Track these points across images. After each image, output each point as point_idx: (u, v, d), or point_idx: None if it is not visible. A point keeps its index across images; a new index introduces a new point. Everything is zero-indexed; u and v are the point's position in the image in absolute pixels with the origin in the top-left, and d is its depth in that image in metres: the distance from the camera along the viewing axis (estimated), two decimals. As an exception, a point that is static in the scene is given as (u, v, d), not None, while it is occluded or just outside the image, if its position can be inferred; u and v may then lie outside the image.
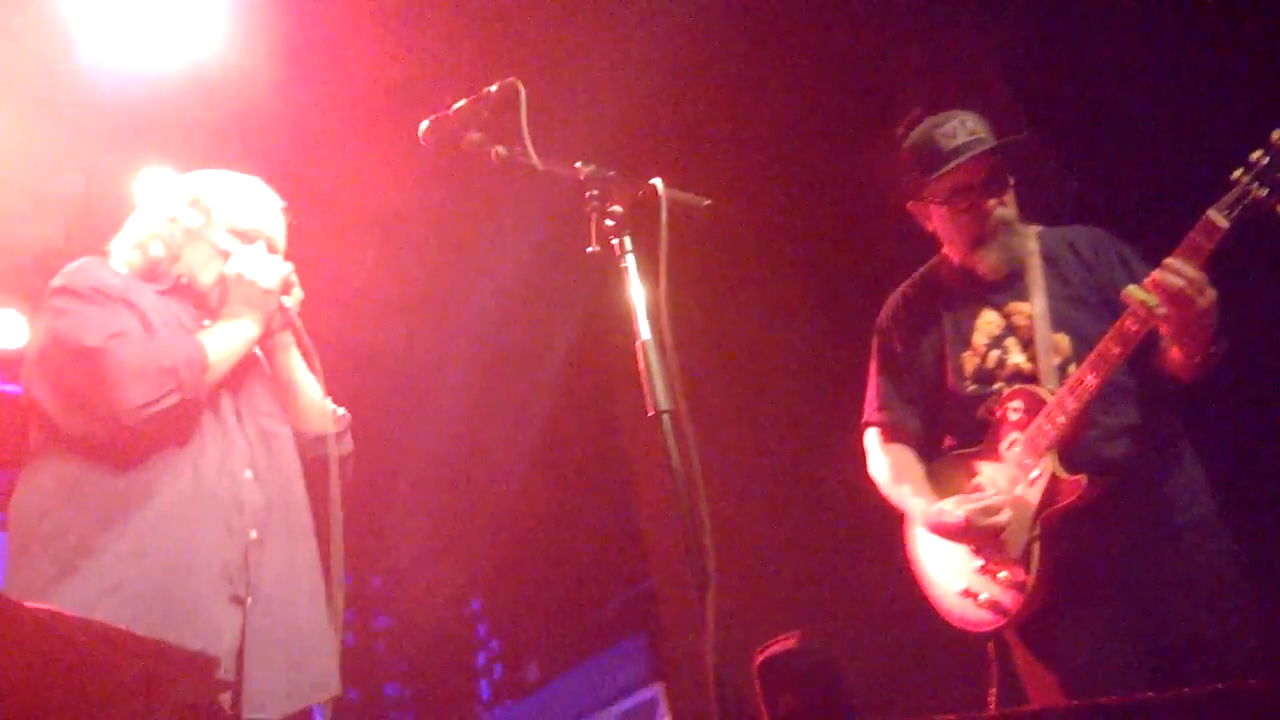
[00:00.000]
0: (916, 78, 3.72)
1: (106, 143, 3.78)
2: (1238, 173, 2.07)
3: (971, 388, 2.38)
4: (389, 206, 4.32)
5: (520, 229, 4.69)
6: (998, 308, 2.40)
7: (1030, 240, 2.43)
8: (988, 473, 2.34)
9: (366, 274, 4.57)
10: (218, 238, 2.09)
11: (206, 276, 2.07)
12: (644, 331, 1.63)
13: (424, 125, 1.91)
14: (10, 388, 4.17)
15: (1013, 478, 2.28)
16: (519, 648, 5.87)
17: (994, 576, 2.28)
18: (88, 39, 3.58)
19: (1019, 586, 2.24)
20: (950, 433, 2.46)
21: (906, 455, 2.49)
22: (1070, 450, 2.22)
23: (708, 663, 1.41)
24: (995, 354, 2.37)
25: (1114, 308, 2.19)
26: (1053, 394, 2.24)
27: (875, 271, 2.89)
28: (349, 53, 3.80)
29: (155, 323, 1.94)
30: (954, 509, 2.31)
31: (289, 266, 2.11)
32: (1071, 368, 2.26)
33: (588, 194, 1.74)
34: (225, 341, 1.98)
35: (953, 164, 2.33)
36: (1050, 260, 2.40)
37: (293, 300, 2.09)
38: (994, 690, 2.41)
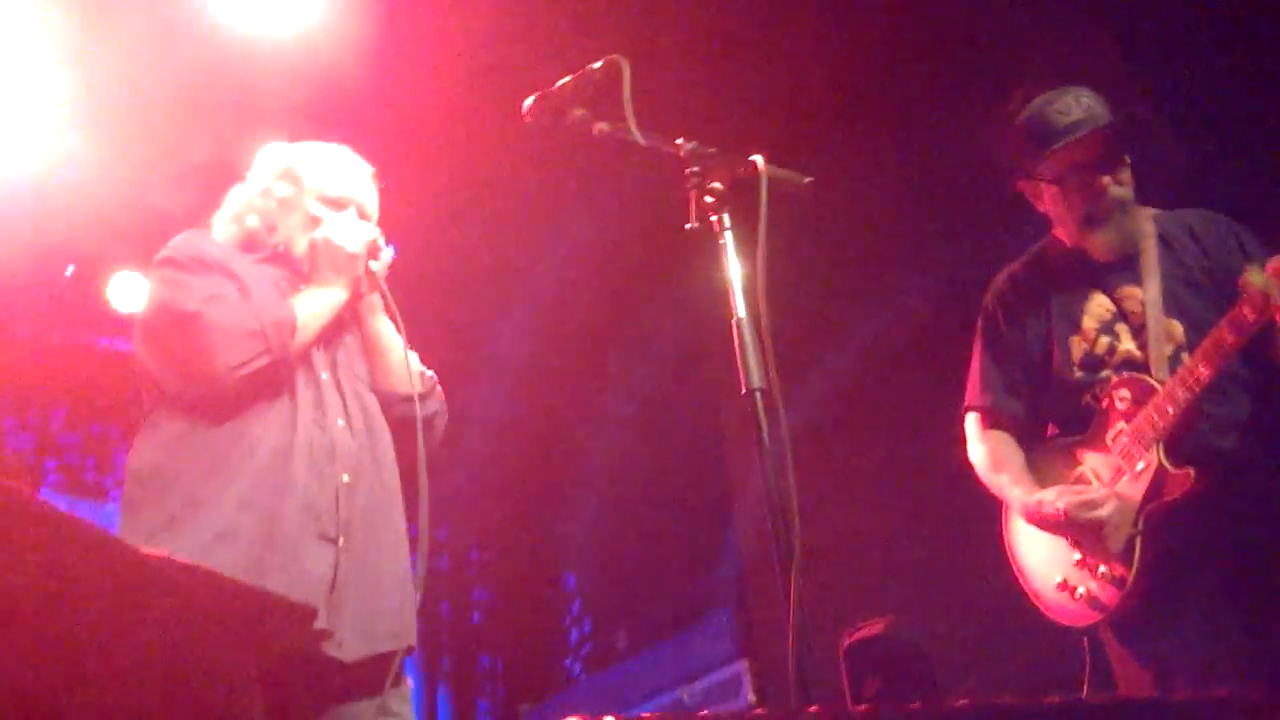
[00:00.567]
0: (1030, 51, 3.61)
1: (234, 112, 3.94)
2: None
3: (1079, 374, 2.32)
4: (488, 180, 4.40)
5: (622, 205, 4.71)
6: (1109, 291, 2.33)
7: (1146, 222, 2.35)
8: (1091, 463, 2.28)
9: (463, 247, 4.68)
10: (310, 206, 2.17)
11: (300, 244, 2.16)
12: (739, 309, 1.64)
13: (529, 101, 1.93)
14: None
15: (1117, 469, 2.23)
16: (609, 618, 5.97)
17: (1093, 571, 2.23)
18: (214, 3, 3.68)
19: (1118, 582, 2.18)
20: (1054, 419, 2.40)
21: (1007, 442, 2.44)
22: (1178, 443, 2.15)
23: (790, 640, 1.42)
24: (1105, 339, 2.30)
25: (1230, 294, 2.11)
26: (1162, 384, 2.17)
27: (983, 252, 2.83)
28: (453, 24, 3.87)
29: (252, 288, 2.04)
30: (1054, 500, 2.25)
31: (374, 231, 2.17)
32: (1184, 356, 2.18)
33: (688, 170, 1.75)
34: (313, 305, 2.07)
35: (1066, 140, 2.27)
36: (1166, 243, 2.32)
37: (379, 264, 2.16)
38: (1086, 687, 2.36)
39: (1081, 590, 2.25)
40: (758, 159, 1.73)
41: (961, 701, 1.11)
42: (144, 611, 1.55)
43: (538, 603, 6.28)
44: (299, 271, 2.16)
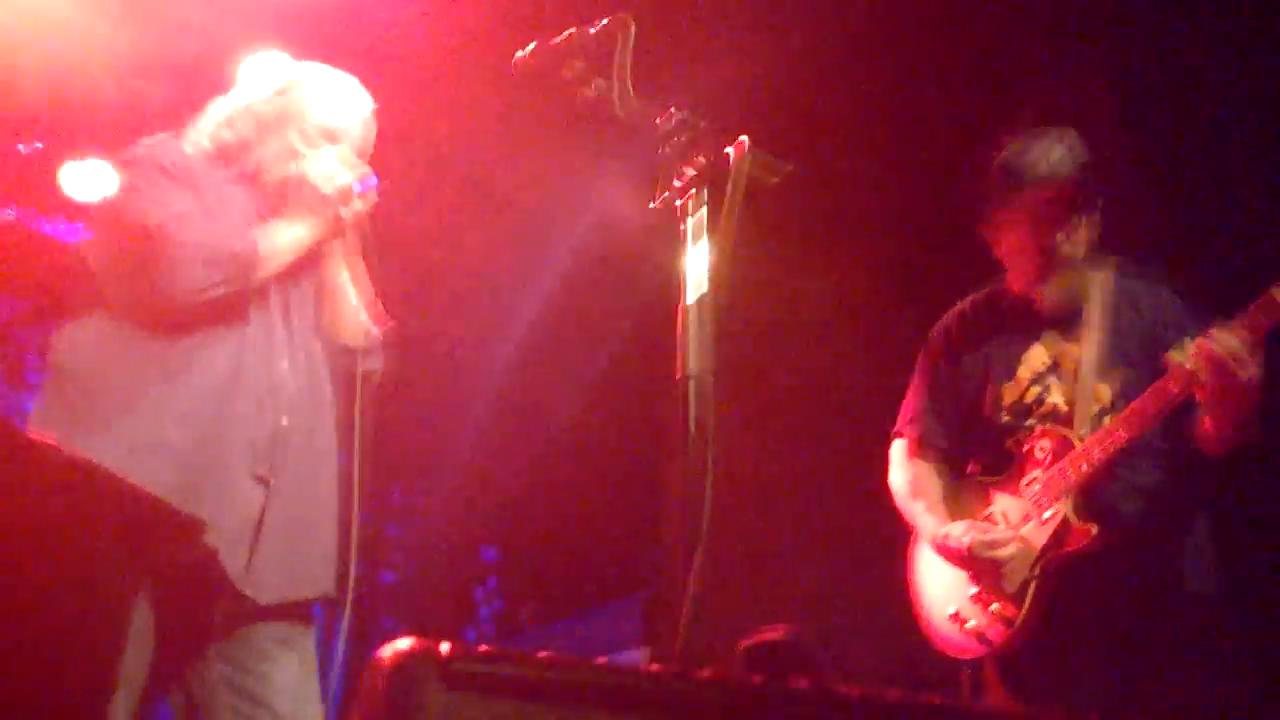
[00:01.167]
0: (1028, 80, 3.65)
1: (226, 14, 3.82)
2: None
3: (1006, 419, 2.40)
4: (476, 138, 4.34)
5: (608, 175, 4.68)
6: (1048, 344, 2.40)
7: (1094, 282, 2.41)
8: (1003, 504, 2.37)
9: (437, 201, 4.60)
10: (297, 134, 2.10)
11: (275, 172, 2.10)
12: (690, 295, 1.62)
13: (524, 51, 1.88)
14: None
15: (1025, 514, 2.31)
16: (520, 589, 5.98)
17: (985, 607, 2.31)
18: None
19: (1007, 622, 2.27)
20: (976, 458, 2.48)
21: (928, 472, 2.52)
22: (1087, 499, 2.24)
23: (680, 629, 1.42)
24: (1036, 390, 2.38)
25: (1161, 366, 2.18)
26: (1082, 440, 2.25)
27: (948, 284, 2.87)
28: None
29: (217, 210, 1.99)
30: (961, 535, 2.34)
31: (354, 175, 2.08)
32: (1107, 418, 2.27)
33: (673, 138, 1.70)
34: (278, 241, 2.02)
35: (1025, 190, 2.33)
36: (1109, 306, 2.39)
37: (350, 212, 2.09)
38: None
39: (972, 624, 2.33)
40: (744, 139, 1.69)
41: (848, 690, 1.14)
42: (29, 500, 1.53)
43: (450, 565, 6.25)
44: (266, 198, 2.10)
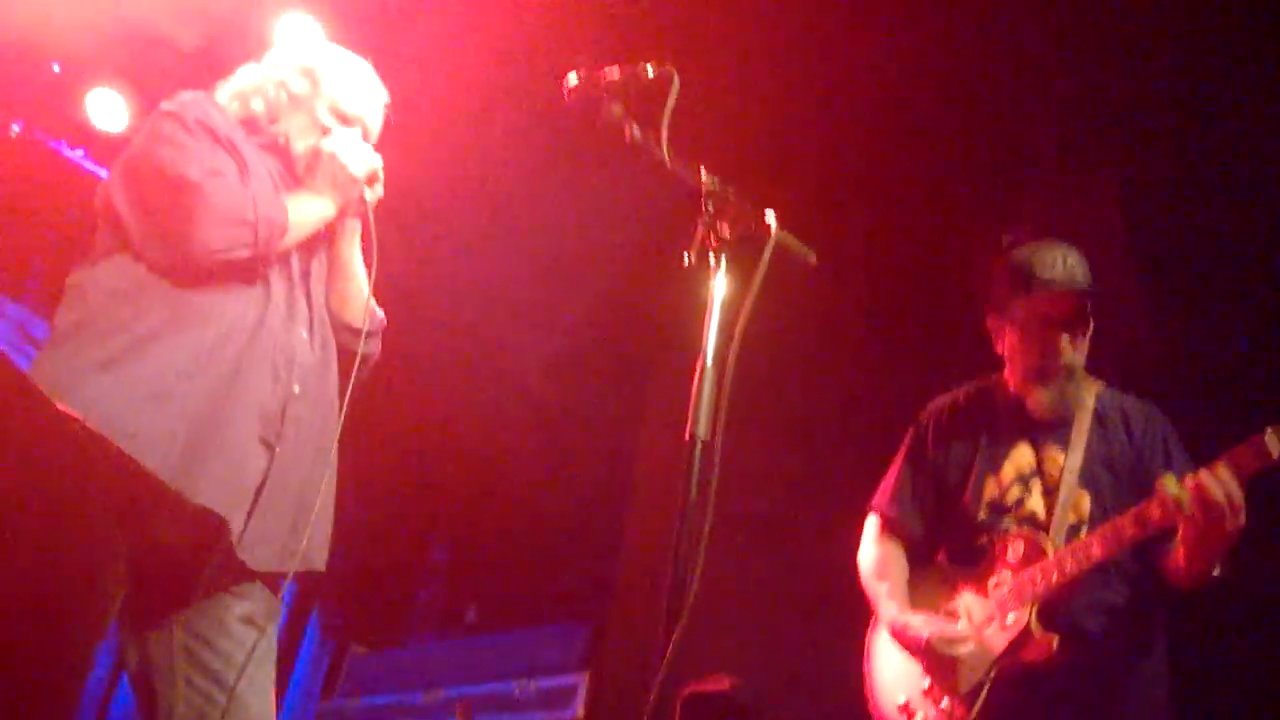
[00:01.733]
0: (1040, 182, 3.71)
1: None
2: None
3: (983, 515, 2.41)
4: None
5: (610, 197, 4.69)
6: (1036, 447, 2.42)
7: (1088, 394, 2.44)
8: (967, 601, 2.37)
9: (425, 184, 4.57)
10: (320, 112, 2.16)
11: (300, 145, 2.14)
12: (708, 356, 1.64)
13: (572, 81, 1.90)
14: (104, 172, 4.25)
15: (989, 615, 2.31)
16: (466, 589, 5.93)
17: (936, 703, 2.31)
18: None
19: None
20: (947, 547, 2.49)
21: (897, 554, 2.53)
22: (1052, 611, 2.25)
23: (653, 694, 1.42)
24: (1016, 490, 2.40)
25: (1144, 488, 2.20)
26: (1055, 550, 2.27)
27: (934, 374, 2.89)
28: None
29: (252, 173, 2.01)
30: (921, 626, 2.35)
31: (379, 160, 2.16)
32: (1083, 531, 2.28)
33: (704, 205, 1.74)
34: (304, 212, 2.05)
35: (1042, 291, 2.36)
36: (1100, 420, 2.42)
37: (373, 194, 2.15)
38: None
39: (920, 716, 2.33)
40: (771, 219, 1.73)
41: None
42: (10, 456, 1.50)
43: (398, 554, 6.19)
44: (291, 168, 2.14)
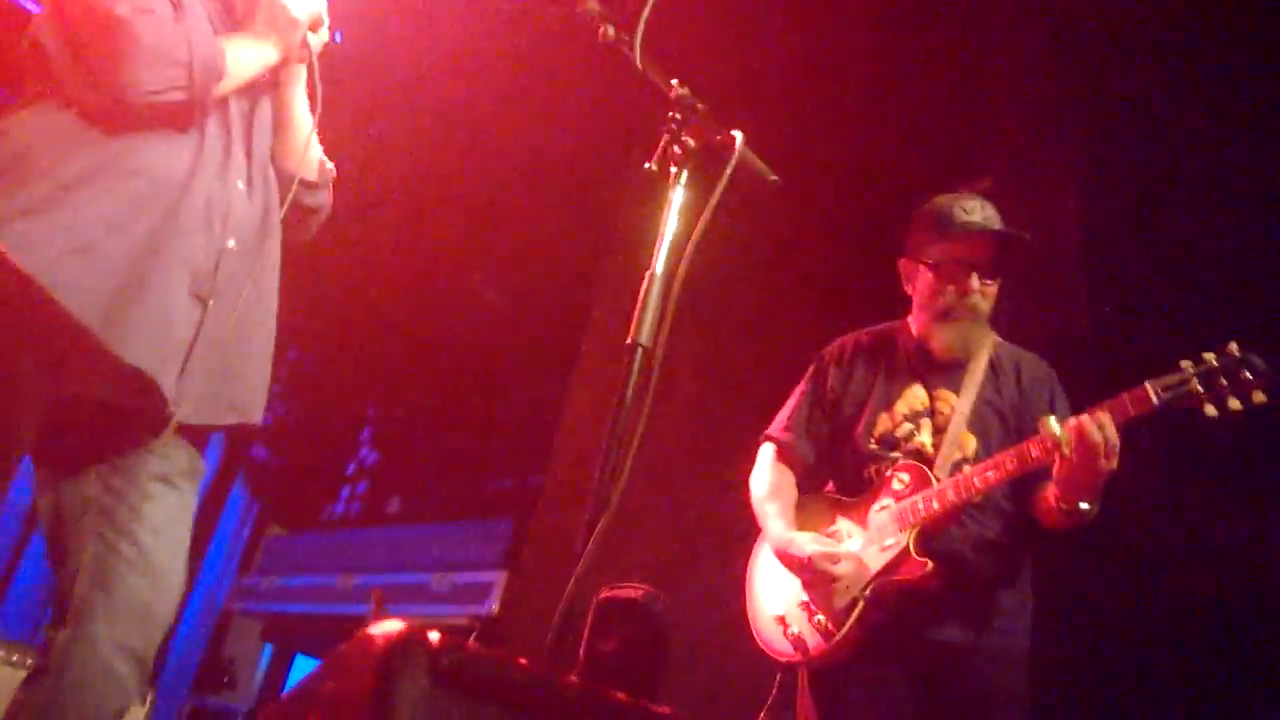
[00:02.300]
0: (1006, 143, 3.74)
1: None
2: (1186, 363, 2.17)
3: (873, 446, 2.51)
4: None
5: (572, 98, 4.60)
6: (929, 388, 2.52)
7: (986, 342, 2.54)
8: (849, 525, 2.48)
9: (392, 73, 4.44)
10: None
11: None
12: (658, 264, 1.64)
13: None
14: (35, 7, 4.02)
15: (869, 538, 2.42)
16: (391, 480, 5.95)
17: (810, 617, 2.42)
18: None
19: (826, 635, 2.37)
20: (835, 478, 2.59)
21: (788, 479, 2.62)
22: (929, 539, 2.35)
23: (569, 588, 1.45)
24: (907, 426, 2.49)
25: (1027, 434, 2.30)
26: (939, 481, 2.37)
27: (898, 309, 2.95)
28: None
29: (186, 10, 1.91)
30: (804, 543, 2.44)
31: (323, 2, 2.09)
32: (967, 467, 2.38)
33: (670, 114, 1.73)
34: (243, 55, 1.97)
35: (958, 231, 2.45)
36: (994, 368, 2.52)
37: (316, 38, 2.09)
38: (764, 715, 2.58)
39: (794, 630, 2.44)
40: (738, 135, 1.73)
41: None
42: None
43: (327, 438, 6.17)
44: (230, 8, 2.05)
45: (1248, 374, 2.10)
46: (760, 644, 2.52)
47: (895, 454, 2.45)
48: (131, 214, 1.80)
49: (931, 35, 3.91)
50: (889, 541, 2.35)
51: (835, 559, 2.37)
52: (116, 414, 1.87)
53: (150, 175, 1.84)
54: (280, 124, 2.10)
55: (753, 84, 4.06)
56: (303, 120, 2.11)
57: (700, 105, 1.75)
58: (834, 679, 2.37)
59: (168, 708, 5.69)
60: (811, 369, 2.69)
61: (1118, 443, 2.13)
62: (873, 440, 2.49)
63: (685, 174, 1.73)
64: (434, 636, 0.88)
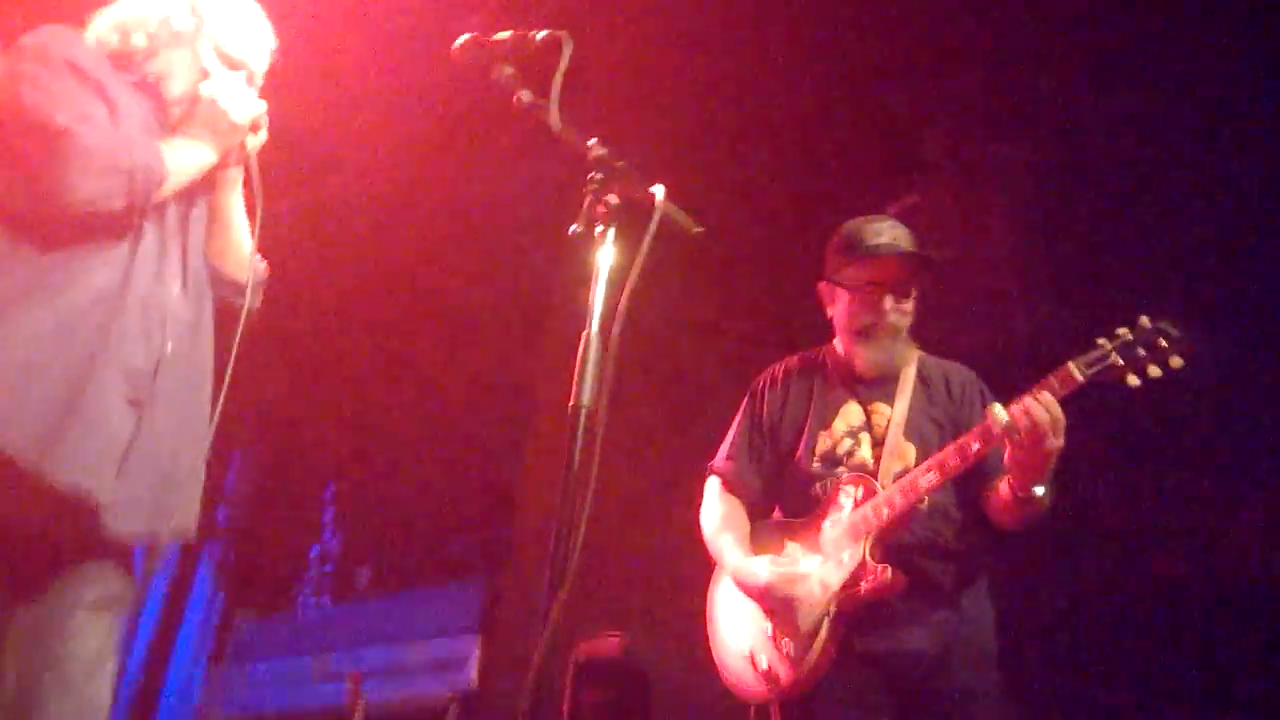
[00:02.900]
0: (925, 167, 3.82)
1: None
2: (1102, 340, 2.23)
3: (816, 465, 2.53)
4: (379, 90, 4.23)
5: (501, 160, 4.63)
6: (863, 403, 2.56)
7: (912, 356, 2.60)
8: (799, 546, 2.47)
9: (332, 151, 4.45)
10: (203, 52, 2.07)
11: (177, 86, 2.05)
12: (593, 325, 1.64)
13: (461, 40, 1.88)
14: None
15: (825, 555, 2.41)
16: (359, 552, 5.85)
17: (778, 645, 2.39)
18: None
19: (796, 662, 2.34)
20: (783, 504, 2.60)
21: (738, 509, 2.63)
22: (884, 550, 2.35)
23: (536, 660, 1.43)
24: (848, 442, 2.52)
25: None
26: (885, 488, 2.39)
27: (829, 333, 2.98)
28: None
29: (123, 116, 1.91)
30: (760, 569, 2.44)
31: (263, 106, 2.09)
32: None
33: (590, 174, 1.74)
34: (182, 160, 1.96)
35: (867, 254, 2.52)
36: (923, 378, 2.58)
37: (255, 142, 2.09)
38: None
39: (764, 665, 2.41)
40: (658, 190, 1.74)
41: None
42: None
43: (288, 518, 6.07)
44: (166, 111, 2.05)
45: (1162, 341, 2.18)
46: (731, 685, 2.48)
47: (840, 470, 2.47)
48: (68, 330, 1.77)
49: (844, 63, 4.00)
50: (845, 556, 2.35)
51: (794, 580, 2.37)
52: (47, 533, 1.81)
53: (87, 285, 1.81)
54: (215, 225, 2.08)
55: (673, 134, 4.12)
56: (238, 220, 2.10)
57: (619, 163, 1.76)
58: (808, 706, 2.32)
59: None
60: (746, 399, 2.72)
61: (1064, 419, 2.18)
62: (815, 459, 2.51)
63: (612, 232, 1.73)
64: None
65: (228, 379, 2.00)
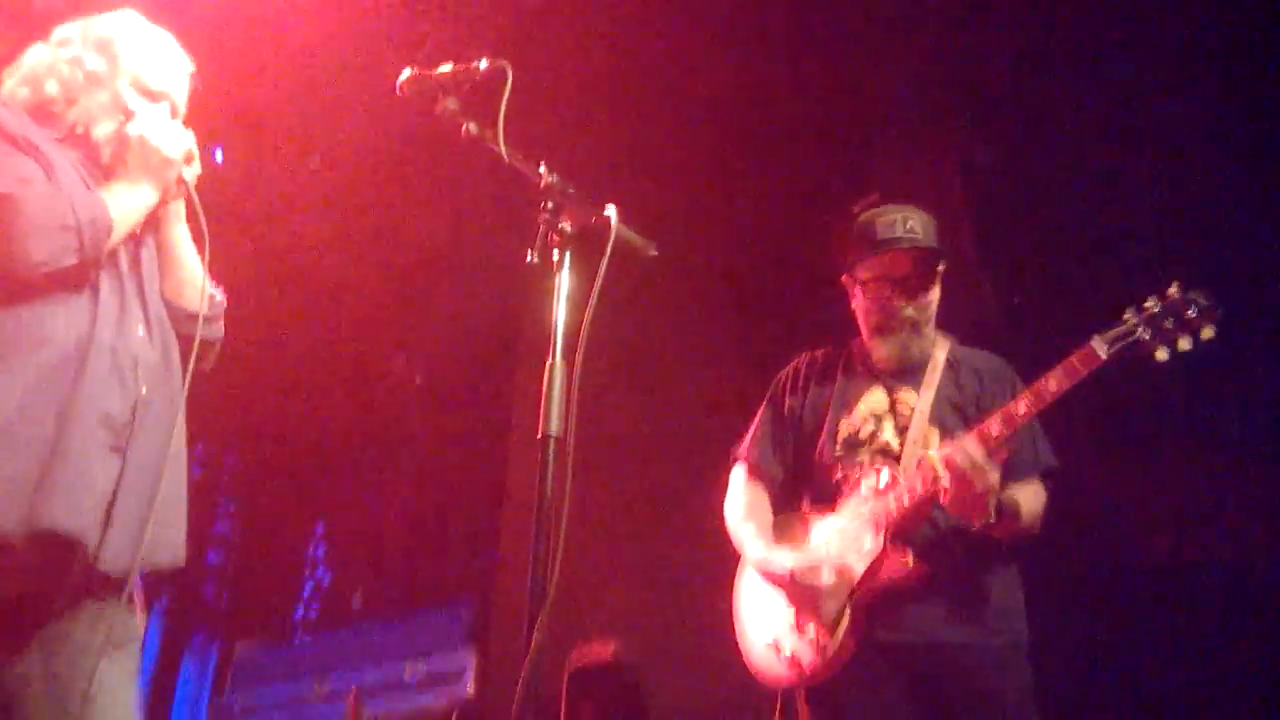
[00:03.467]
0: (882, 163, 3.85)
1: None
2: (1128, 313, 2.19)
3: (839, 452, 2.50)
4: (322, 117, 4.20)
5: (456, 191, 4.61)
6: (889, 390, 2.53)
7: (938, 346, 2.56)
8: (826, 534, 2.46)
9: (285, 172, 4.41)
10: (122, 90, 2.01)
11: (102, 130, 1.99)
12: (555, 354, 1.65)
13: (405, 75, 1.88)
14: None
15: (847, 545, 2.39)
16: (350, 575, 5.84)
17: (802, 633, 2.39)
18: None
19: (820, 649, 2.34)
20: (808, 493, 2.57)
21: (762, 498, 2.61)
22: (906, 537, 2.34)
23: (524, 676, 1.45)
24: (869, 427, 2.49)
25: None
26: (906, 476, 2.37)
27: (797, 337, 2.99)
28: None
29: (59, 171, 1.86)
30: (784, 559, 2.43)
31: (192, 137, 2.04)
32: None
33: (542, 203, 1.75)
34: (125, 205, 1.92)
35: (879, 251, 2.48)
36: (951, 367, 2.54)
37: (191, 172, 2.03)
38: None
39: (788, 652, 2.40)
40: (611, 213, 1.75)
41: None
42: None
43: (279, 544, 6.04)
44: (94, 158, 1.99)
45: (1192, 311, 2.10)
46: (756, 675, 2.47)
47: (861, 455, 2.44)
48: (43, 391, 1.76)
49: (795, 66, 4.00)
50: (867, 546, 2.33)
51: (817, 570, 2.36)
52: (47, 588, 1.78)
53: (54, 343, 1.79)
54: (166, 261, 2.05)
55: (624, 152, 4.11)
56: (186, 254, 2.07)
57: (570, 189, 1.77)
58: (833, 693, 2.32)
59: None
60: (772, 388, 2.70)
61: (987, 465, 2.17)
62: (837, 445, 2.49)
63: (568, 258, 1.74)
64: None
65: (182, 404, 1.98)
